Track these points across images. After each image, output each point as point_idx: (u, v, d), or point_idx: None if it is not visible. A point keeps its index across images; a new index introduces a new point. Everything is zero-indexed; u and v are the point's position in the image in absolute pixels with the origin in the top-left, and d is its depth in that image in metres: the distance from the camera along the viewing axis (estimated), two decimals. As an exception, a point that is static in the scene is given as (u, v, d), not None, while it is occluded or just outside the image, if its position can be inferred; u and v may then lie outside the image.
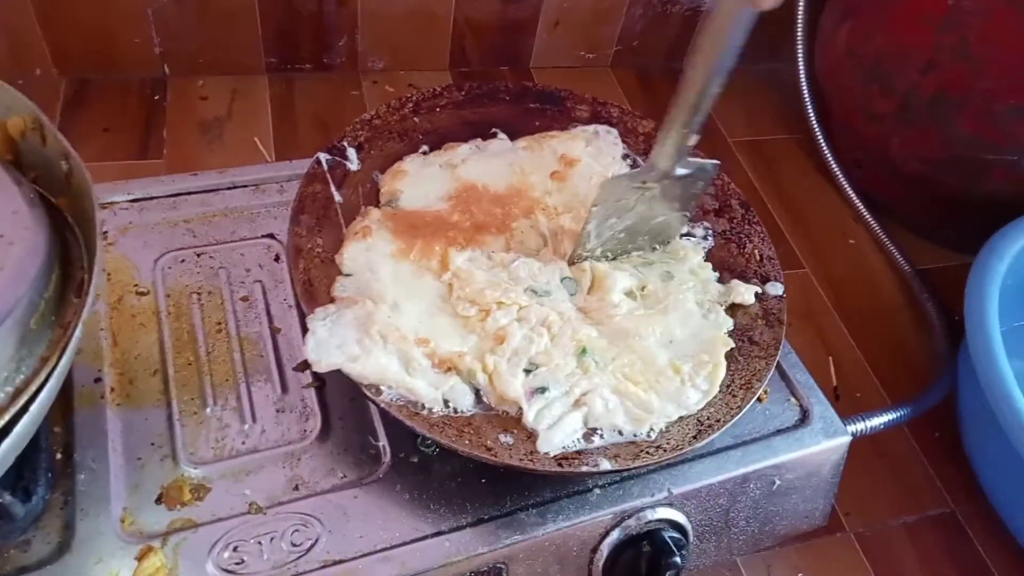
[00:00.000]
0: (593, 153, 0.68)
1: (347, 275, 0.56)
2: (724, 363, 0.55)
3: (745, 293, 0.59)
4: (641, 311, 0.57)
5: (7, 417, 0.36)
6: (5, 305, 0.38)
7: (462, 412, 0.51)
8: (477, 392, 0.52)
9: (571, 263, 0.60)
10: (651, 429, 0.51)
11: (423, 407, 0.50)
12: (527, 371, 0.53)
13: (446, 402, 0.51)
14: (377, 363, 0.50)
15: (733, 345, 0.56)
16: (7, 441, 0.36)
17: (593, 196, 0.58)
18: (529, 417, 0.50)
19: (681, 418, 0.53)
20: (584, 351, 0.54)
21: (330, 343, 0.51)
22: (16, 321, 0.39)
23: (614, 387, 0.53)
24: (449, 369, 0.52)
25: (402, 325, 0.53)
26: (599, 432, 0.51)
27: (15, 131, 0.50)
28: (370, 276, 0.56)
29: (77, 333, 0.39)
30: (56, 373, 0.39)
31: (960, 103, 0.80)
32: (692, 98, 0.53)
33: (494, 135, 0.69)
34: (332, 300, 0.54)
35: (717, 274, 0.62)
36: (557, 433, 0.50)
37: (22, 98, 0.50)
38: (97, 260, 0.41)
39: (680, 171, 0.58)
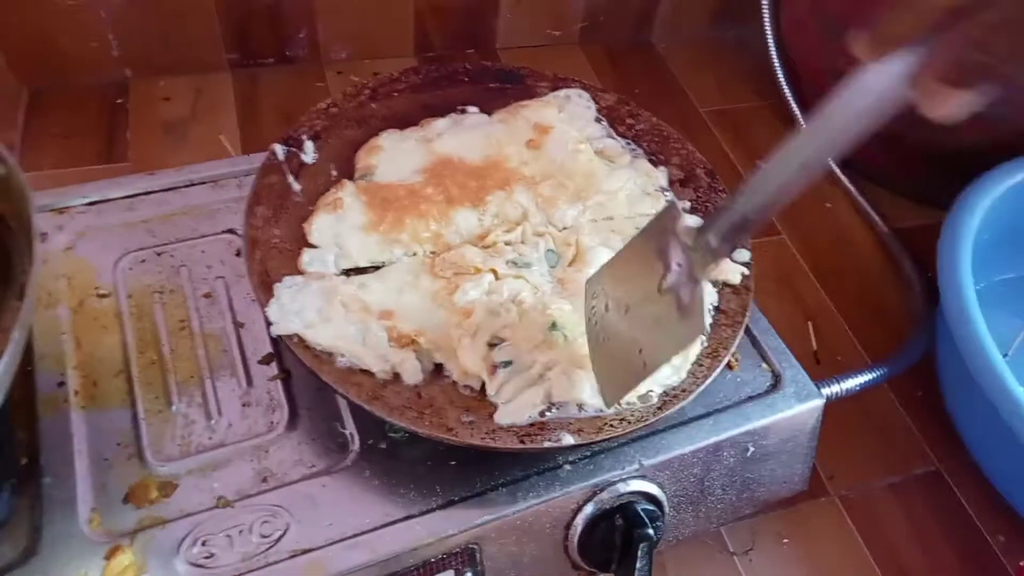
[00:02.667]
0: (566, 118, 0.68)
1: (314, 247, 0.57)
2: (699, 344, 0.54)
3: (730, 273, 0.59)
4: None
5: (-52, 423, 0.36)
6: (-59, 312, 0.38)
7: (411, 386, 0.51)
8: (436, 367, 0.52)
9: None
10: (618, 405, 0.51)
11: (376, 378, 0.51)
12: (491, 345, 0.52)
13: (396, 375, 0.51)
14: (333, 331, 0.51)
15: (710, 321, 0.56)
16: (-51, 447, 0.36)
17: (570, 164, 0.56)
18: (491, 390, 0.50)
19: (650, 397, 0.52)
20: (554, 325, 0.54)
21: (291, 309, 0.52)
22: (-46, 328, 0.38)
23: (579, 361, 0.52)
24: (406, 344, 0.52)
25: (367, 298, 0.53)
26: (557, 406, 0.51)
27: (-48, 137, 0.49)
28: (337, 249, 0.56)
29: (16, 336, 0.39)
30: (-1, 378, 0.38)
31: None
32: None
33: (464, 111, 0.68)
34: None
35: None
36: (515, 406, 0.50)
37: (-44, 103, 0.49)
38: (35, 264, 0.41)
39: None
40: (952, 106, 0.34)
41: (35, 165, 0.84)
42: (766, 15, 0.97)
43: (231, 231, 0.64)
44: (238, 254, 0.63)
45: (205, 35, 0.93)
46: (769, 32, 0.98)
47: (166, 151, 0.88)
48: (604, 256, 0.58)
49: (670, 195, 0.65)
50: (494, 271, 0.57)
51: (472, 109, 0.69)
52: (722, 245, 0.43)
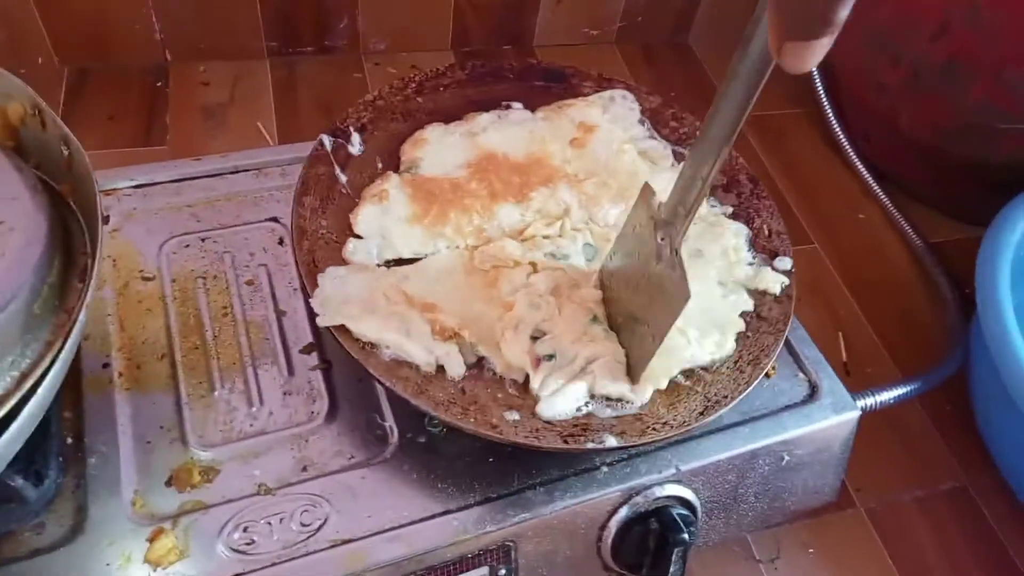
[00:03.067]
0: (611, 119, 0.68)
1: (359, 237, 0.57)
2: (732, 342, 0.55)
3: (772, 283, 0.58)
4: None
5: (13, 401, 0.36)
6: (7, 291, 0.38)
7: (452, 378, 0.51)
8: (477, 361, 0.53)
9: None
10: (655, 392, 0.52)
11: (418, 369, 0.51)
12: (534, 338, 0.53)
13: (440, 367, 0.51)
14: (377, 323, 0.51)
15: (743, 328, 0.56)
16: (14, 425, 0.36)
17: (614, 164, 0.56)
18: (535, 383, 0.51)
19: (688, 391, 0.52)
20: (595, 318, 0.54)
21: (335, 300, 0.52)
22: (19, 307, 0.39)
23: (620, 355, 0.53)
24: (450, 337, 0.52)
25: (410, 290, 0.54)
26: (600, 399, 0.51)
27: (15, 117, 0.50)
28: (382, 240, 0.57)
29: (81, 317, 0.40)
30: (61, 357, 0.39)
31: (971, 70, 0.79)
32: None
33: (508, 107, 0.69)
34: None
35: (752, 258, 0.61)
36: (560, 400, 0.50)
37: (21, 84, 0.50)
38: (99, 244, 0.41)
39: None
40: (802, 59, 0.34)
41: (76, 146, 0.85)
42: (807, 22, 0.97)
43: (274, 219, 0.65)
44: (281, 242, 0.63)
45: (246, 21, 0.94)
46: (809, 39, 0.97)
47: (204, 136, 0.89)
48: None
49: (715, 204, 0.64)
50: (533, 264, 0.57)
51: (516, 105, 0.69)
52: (689, 211, 0.47)
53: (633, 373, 0.52)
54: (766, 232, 0.62)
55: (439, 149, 0.64)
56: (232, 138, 0.89)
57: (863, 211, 0.95)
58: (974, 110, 0.80)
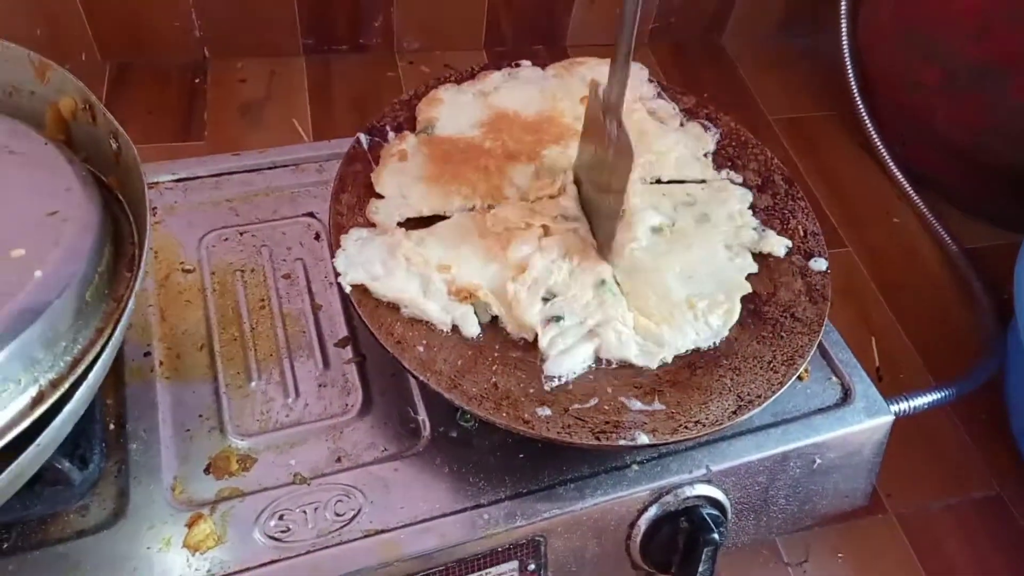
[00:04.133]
0: None
1: (381, 197, 0.59)
2: (739, 306, 0.55)
3: (776, 245, 0.59)
4: (664, 247, 0.58)
5: (67, 385, 0.38)
6: (62, 279, 0.40)
7: (470, 338, 0.53)
8: (492, 320, 0.54)
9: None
10: (662, 361, 0.53)
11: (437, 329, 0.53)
12: (545, 300, 0.54)
13: (455, 327, 0.53)
14: (397, 284, 0.53)
15: (751, 290, 0.56)
16: (67, 407, 0.37)
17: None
18: (543, 343, 0.52)
19: (720, 390, 0.52)
20: (603, 282, 0.55)
21: (357, 260, 0.54)
22: (73, 294, 0.40)
23: (627, 319, 0.54)
24: (465, 298, 0.53)
25: (427, 252, 0.55)
26: (605, 362, 0.53)
27: (67, 111, 0.51)
28: (401, 199, 0.58)
29: (130, 305, 0.41)
30: (111, 343, 0.40)
31: (1010, 71, 0.78)
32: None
33: (518, 65, 0.70)
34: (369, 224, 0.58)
35: (757, 223, 0.61)
36: (566, 359, 0.52)
37: (73, 79, 0.51)
38: (147, 234, 0.42)
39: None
40: None
41: (117, 140, 0.87)
42: (844, 23, 0.96)
43: (311, 214, 0.66)
44: (317, 238, 0.64)
45: (283, 19, 0.95)
46: (845, 41, 0.97)
47: (241, 132, 0.90)
48: (649, 216, 0.60)
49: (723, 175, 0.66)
50: (544, 227, 0.58)
51: (525, 63, 0.70)
52: (624, 83, 0.53)
53: (603, 245, 0.57)
54: (801, 232, 0.61)
55: (453, 109, 0.65)
56: (268, 134, 0.90)
57: (897, 215, 0.95)
58: (1012, 112, 0.79)
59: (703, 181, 0.64)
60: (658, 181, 0.63)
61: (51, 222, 0.42)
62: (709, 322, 0.55)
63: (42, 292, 0.38)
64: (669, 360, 0.53)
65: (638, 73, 0.70)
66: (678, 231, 0.60)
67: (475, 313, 0.54)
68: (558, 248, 0.57)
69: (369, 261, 0.54)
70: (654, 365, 0.53)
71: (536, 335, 0.53)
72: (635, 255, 0.57)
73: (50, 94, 0.52)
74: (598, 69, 0.68)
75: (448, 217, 0.59)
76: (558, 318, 0.53)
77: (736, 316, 0.55)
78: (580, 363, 0.52)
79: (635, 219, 0.59)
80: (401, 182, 0.60)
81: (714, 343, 0.54)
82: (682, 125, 0.68)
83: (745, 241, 0.60)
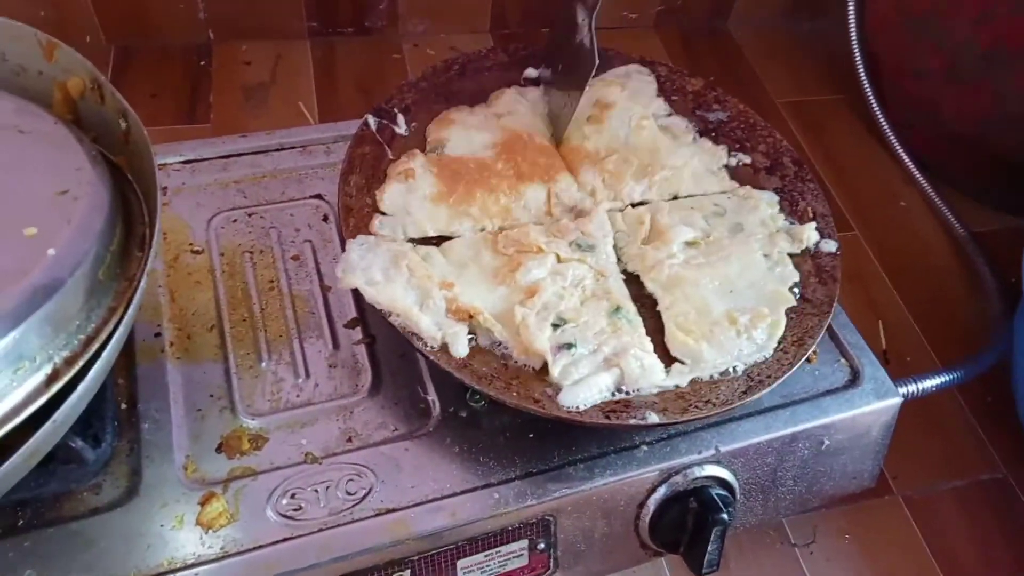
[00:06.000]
0: (629, 95, 0.68)
1: (385, 214, 0.58)
2: (784, 319, 0.54)
3: (810, 232, 0.59)
4: (701, 259, 0.57)
5: (81, 363, 0.38)
6: (75, 257, 0.40)
7: (455, 357, 0.51)
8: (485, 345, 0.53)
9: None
10: (696, 379, 0.52)
11: (425, 343, 0.51)
12: (555, 326, 0.53)
13: (444, 345, 0.51)
14: (393, 292, 0.52)
15: (795, 302, 0.55)
16: (81, 386, 0.38)
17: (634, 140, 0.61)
18: (555, 372, 0.51)
19: (730, 374, 0.52)
20: (617, 309, 0.54)
21: (358, 266, 0.53)
22: (85, 273, 0.40)
23: (648, 346, 0.53)
24: (464, 319, 0.52)
25: (433, 267, 0.55)
26: (627, 391, 0.51)
27: (75, 91, 0.51)
28: (407, 218, 0.57)
29: (142, 284, 0.41)
30: (124, 322, 0.40)
31: (1016, 57, 0.77)
32: None
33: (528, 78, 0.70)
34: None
35: (790, 223, 0.61)
36: (581, 390, 0.50)
37: (81, 59, 0.51)
38: (158, 213, 0.42)
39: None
40: None
41: (122, 122, 0.86)
42: (851, 9, 0.96)
43: (319, 196, 0.66)
44: (325, 219, 0.64)
45: (288, 2, 0.95)
46: (853, 26, 0.96)
47: (246, 115, 0.90)
48: (684, 232, 0.58)
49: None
50: (557, 255, 0.57)
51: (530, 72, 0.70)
52: None
53: (556, 131, 0.64)
54: (810, 214, 0.61)
55: (465, 130, 0.64)
56: (273, 117, 0.90)
57: (904, 199, 0.94)
58: (1018, 99, 0.79)
59: (729, 191, 0.63)
60: (675, 197, 0.63)
61: (62, 201, 0.42)
62: (753, 337, 0.53)
63: (56, 270, 0.39)
64: (705, 378, 0.52)
65: (647, 87, 0.69)
66: (714, 243, 0.59)
67: (475, 336, 0.52)
68: (571, 274, 0.55)
69: (370, 266, 0.53)
70: (686, 383, 0.51)
71: (544, 362, 0.51)
72: (673, 270, 0.56)
73: (58, 74, 0.52)
74: (604, 91, 0.68)
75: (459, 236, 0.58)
76: (570, 345, 0.52)
77: (782, 329, 0.54)
78: (597, 394, 0.50)
79: (671, 235, 0.58)
80: (407, 200, 0.59)
81: (763, 357, 0.53)
82: (695, 140, 0.67)
83: (783, 247, 0.59)
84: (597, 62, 0.55)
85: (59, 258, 0.39)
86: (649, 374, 0.51)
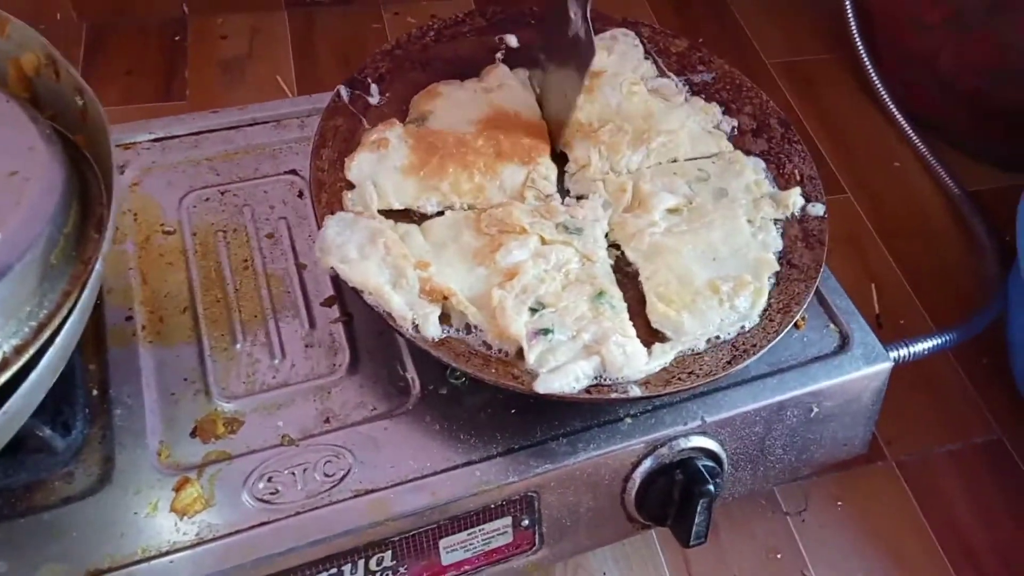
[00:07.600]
0: (616, 61, 0.66)
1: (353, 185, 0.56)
2: (767, 286, 0.53)
3: (795, 196, 0.58)
4: (683, 227, 0.56)
5: (31, 351, 0.36)
6: (24, 241, 0.38)
7: (427, 339, 0.50)
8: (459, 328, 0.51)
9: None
10: (678, 355, 0.50)
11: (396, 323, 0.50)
12: (533, 310, 0.51)
13: (415, 326, 0.50)
14: (366, 270, 0.50)
15: (778, 268, 0.54)
16: (33, 375, 0.36)
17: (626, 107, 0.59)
18: (530, 359, 0.49)
19: (714, 342, 0.51)
20: (600, 294, 0.52)
21: (334, 243, 0.52)
22: (36, 257, 0.39)
23: (630, 332, 0.51)
24: (437, 300, 0.51)
25: (410, 245, 0.53)
26: (606, 379, 0.49)
27: (29, 68, 0.49)
28: (372, 188, 0.56)
29: (98, 267, 0.39)
30: (79, 307, 0.39)
31: (1019, 7, 0.75)
32: None
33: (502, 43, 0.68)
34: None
35: (775, 190, 0.59)
36: (557, 378, 0.48)
37: (34, 34, 0.49)
38: (115, 194, 0.41)
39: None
40: None
41: (96, 101, 0.85)
42: (843, -40, 0.93)
43: (293, 171, 0.64)
44: (300, 195, 0.63)
45: (262, -28, 0.92)
46: (845, -21, 0.93)
47: (223, 90, 0.88)
48: (666, 199, 0.57)
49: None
50: (542, 237, 0.55)
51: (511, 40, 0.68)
52: None
53: (555, 134, 0.61)
54: (798, 177, 0.60)
55: (451, 104, 0.62)
56: (251, 91, 0.88)
57: (898, 158, 0.92)
58: (1021, 51, 0.77)
59: (717, 154, 0.62)
60: (674, 160, 0.61)
61: (12, 182, 0.40)
62: (736, 305, 0.52)
63: (2, 255, 0.37)
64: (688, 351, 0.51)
65: (632, 50, 0.67)
66: (696, 210, 0.57)
67: (449, 319, 0.51)
68: (555, 257, 0.53)
69: (345, 243, 0.52)
70: (669, 360, 0.50)
71: (520, 348, 0.49)
72: (654, 238, 0.55)
73: (11, 49, 0.50)
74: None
75: (440, 214, 0.56)
76: (546, 331, 0.50)
77: (765, 298, 0.53)
78: (574, 382, 0.48)
79: (653, 202, 0.56)
80: (376, 170, 0.57)
81: (743, 327, 0.52)
82: (687, 100, 0.65)
83: (768, 213, 0.57)
84: (595, 54, 0.53)
85: (6, 242, 0.37)
86: (632, 360, 0.50)
